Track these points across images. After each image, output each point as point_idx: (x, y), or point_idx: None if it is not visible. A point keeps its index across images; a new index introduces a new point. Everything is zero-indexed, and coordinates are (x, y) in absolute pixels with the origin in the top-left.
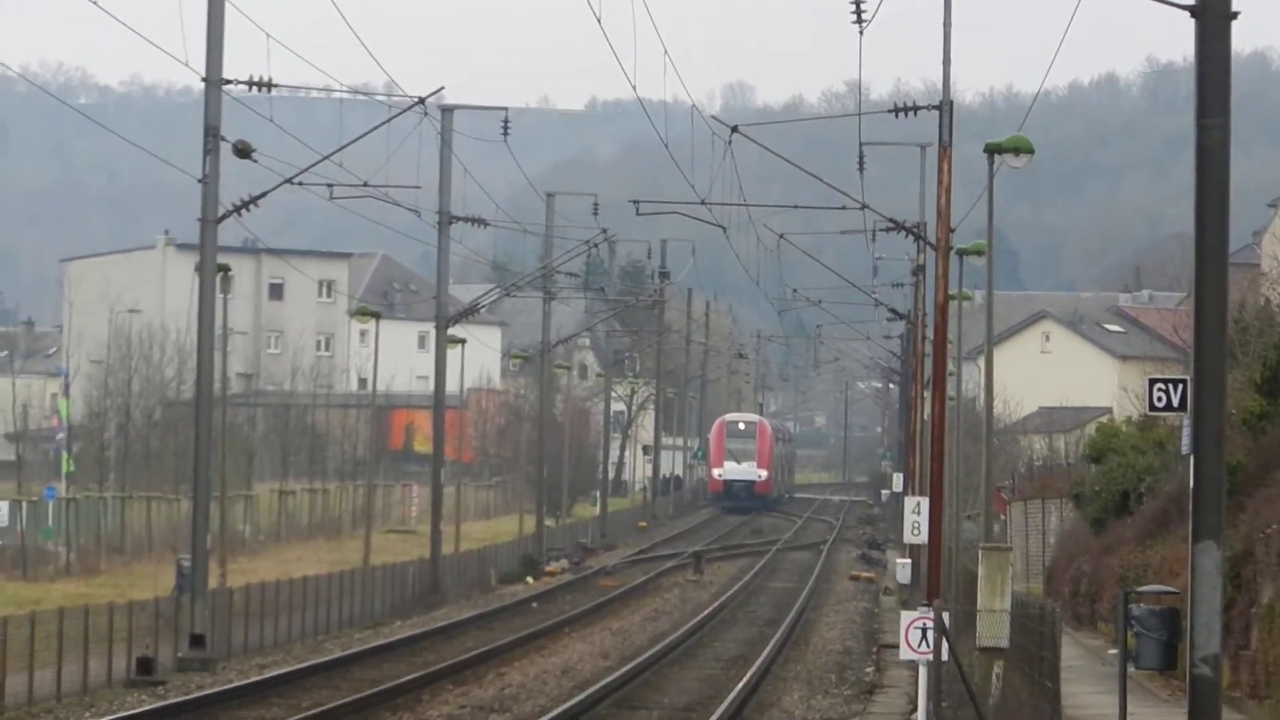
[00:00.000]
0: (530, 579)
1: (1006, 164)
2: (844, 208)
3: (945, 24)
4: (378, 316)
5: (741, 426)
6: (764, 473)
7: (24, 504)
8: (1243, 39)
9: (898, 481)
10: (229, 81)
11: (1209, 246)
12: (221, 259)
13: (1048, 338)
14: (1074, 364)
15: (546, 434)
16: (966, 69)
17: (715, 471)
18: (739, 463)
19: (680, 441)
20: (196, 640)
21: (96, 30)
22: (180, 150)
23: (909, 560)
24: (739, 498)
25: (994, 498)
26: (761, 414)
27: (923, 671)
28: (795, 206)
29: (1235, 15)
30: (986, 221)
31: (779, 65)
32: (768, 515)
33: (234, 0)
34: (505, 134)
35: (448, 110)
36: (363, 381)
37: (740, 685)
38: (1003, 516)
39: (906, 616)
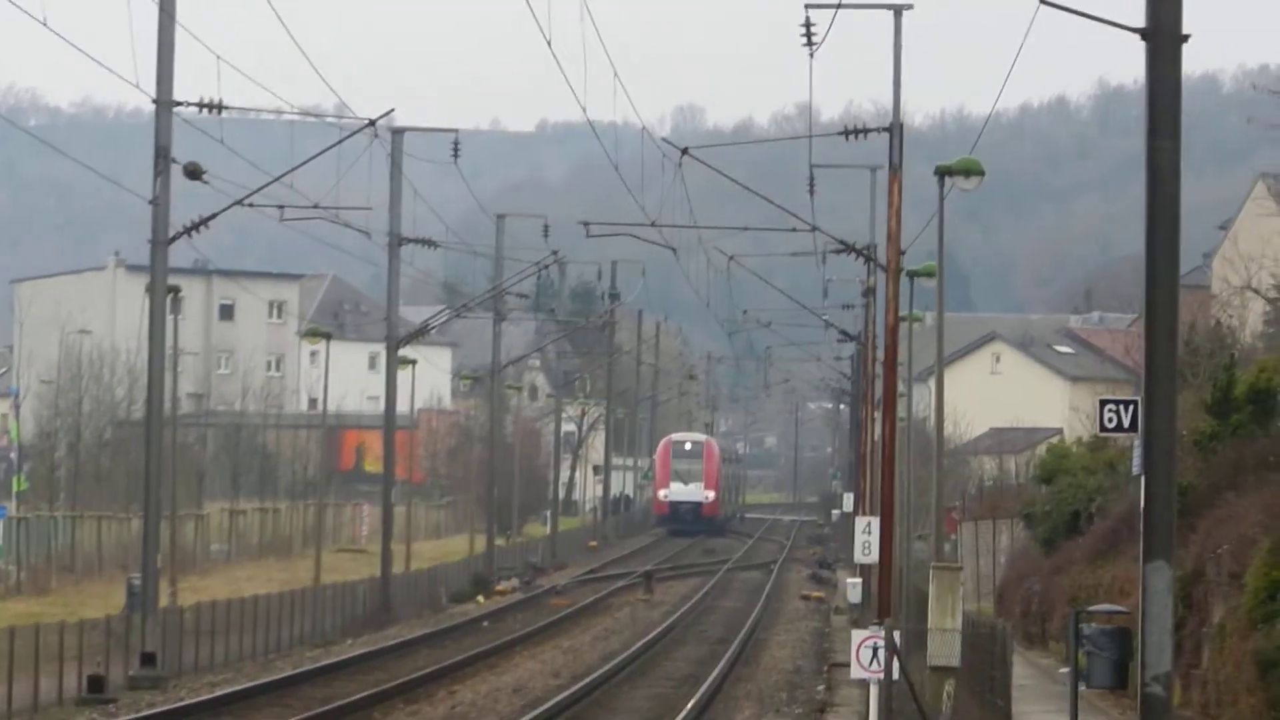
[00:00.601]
0: (481, 598)
1: (957, 186)
2: (794, 229)
3: (895, 47)
4: (328, 337)
5: (688, 446)
6: (711, 494)
7: None
8: (1193, 62)
9: (848, 502)
10: (179, 103)
11: (1160, 268)
12: (172, 280)
13: (998, 359)
14: (1025, 385)
15: (497, 454)
16: (917, 91)
17: (661, 493)
18: (685, 484)
19: (631, 462)
20: (147, 659)
21: (47, 52)
22: (131, 172)
23: (860, 580)
24: (685, 520)
25: (944, 518)
26: (709, 434)
27: (874, 690)
28: (745, 228)
29: (1186, 38)
30: (937, 243)
31: (729, 87)
32: (718, 536)
33: (184, 23)
34: (455, 156)
35: (398, 132)
36: (313, 402)
37: (691, 704)
38: (953, 536)
39: (857, 635)
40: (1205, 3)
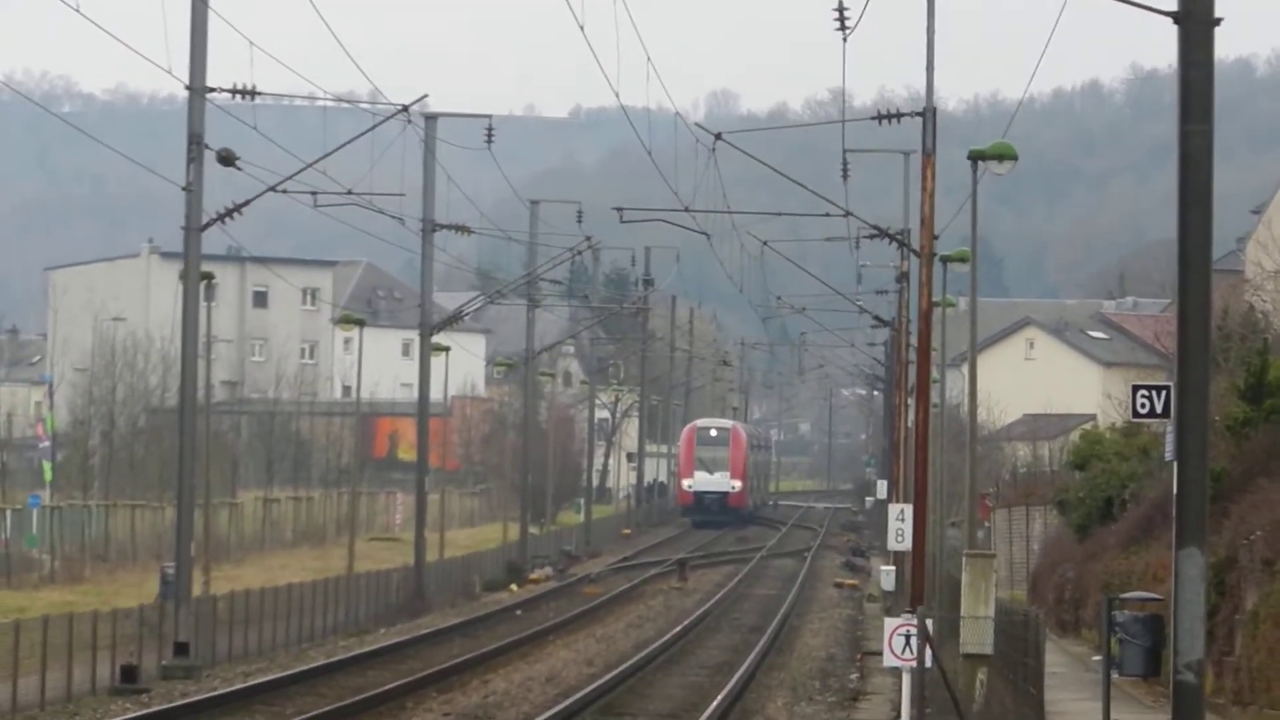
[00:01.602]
0: (514, 586)
1: (990, 170)
2: (828, 215)
3: (928, 31)
4: (362, 324)
5: (713, 433)
6: (738, 483)
7: (8, 512)
8: (1226, 46)
9: (882, 488)
10: (213, 89)
11: (1192, 253)
12: (206, 267)
13: (1032, 344)
14: (1058, 371)
15: (531, 441)
16: (950, 76)
17: (685, 482)
18: (710, 473)
19: (664, 449)
20: (181, 648)
21: (81, 39)
22: (164, 158)
23: (893, 567)
24: (710, 511)
25: (978, 504)
26: (736, 418)
27: (906, 678)
28: (779, 214)
29: (1218, 21)
30: (970, 228)
31: (762, 73)
32: (747, 527)
33: (217, 8)
34: (489, 141)
35: (431, 118)
36: (347, 389)
37: (724, 692)
38: (987, 523)
39: (890, 623)
40: None
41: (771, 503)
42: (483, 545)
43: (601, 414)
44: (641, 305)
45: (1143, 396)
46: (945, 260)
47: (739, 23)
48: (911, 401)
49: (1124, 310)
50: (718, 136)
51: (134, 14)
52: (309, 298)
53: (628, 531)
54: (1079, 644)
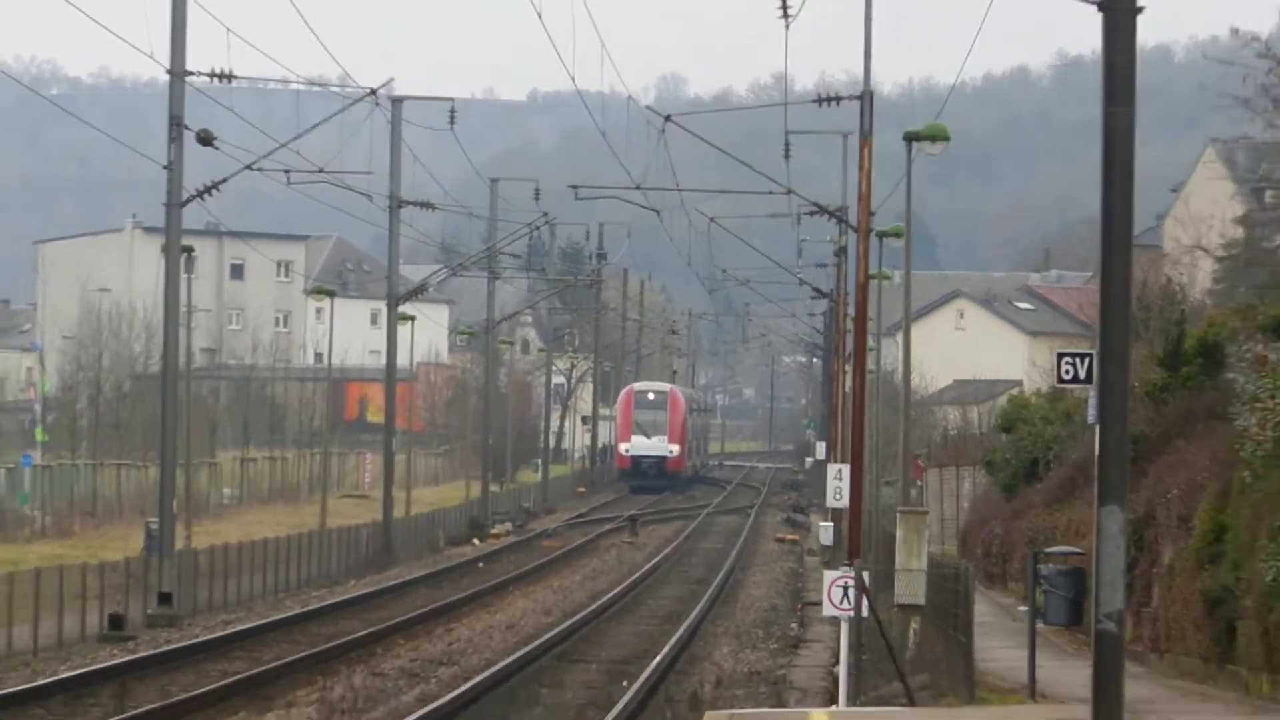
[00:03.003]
0: (476, 541)
1: (924, 151)
2: (771, 193)
3: (866, 18)
4: (333, 295)
5: (651, 396)
6: (676, 448)
7: (1, 470)
8: (1147, 33)
9: (821, 450)
10: (191, 73)
11: (1115, 229)
12: (185, 241)
13: (962, 315)
14: (987, 340)
15: (491, 405)
16: (887, 61)
17: (622, 446)
18: (648, 436)
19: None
20: (164, 598)
21: (67, 25)
22: (147, 139)
23: (831, 523)
24: (647, 476)
25: (911, 465)
26: (676, 383)
27: (844, 627)
28: (725, 192)
29: (1140, 9)
30: (905, 205)
31: (709, 58)
32: (685, 490)
33: None
34: (452, 123)
35: (397, 101)
36: (319, 356)
37: (674, 640)
38: (919, 482)
39: (829, 576)
40: None
41: (716, 463)
42: (446, 502)
43: (558, 379)
44: (595, 278)
45: (1067, 363)
46: (881, 235)
47: (686, 9)
48: (849, 368)
49: (1049, 283)
50: (667, 118)
51: (117, 2)
52: (283, 270)
53: (582, 490)
54: (1006, 595)
